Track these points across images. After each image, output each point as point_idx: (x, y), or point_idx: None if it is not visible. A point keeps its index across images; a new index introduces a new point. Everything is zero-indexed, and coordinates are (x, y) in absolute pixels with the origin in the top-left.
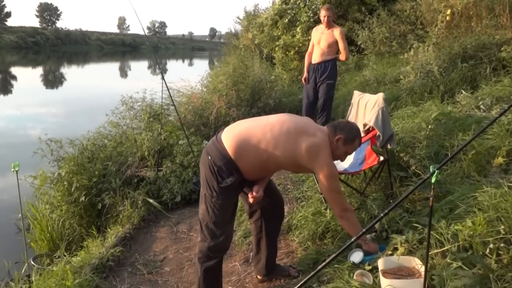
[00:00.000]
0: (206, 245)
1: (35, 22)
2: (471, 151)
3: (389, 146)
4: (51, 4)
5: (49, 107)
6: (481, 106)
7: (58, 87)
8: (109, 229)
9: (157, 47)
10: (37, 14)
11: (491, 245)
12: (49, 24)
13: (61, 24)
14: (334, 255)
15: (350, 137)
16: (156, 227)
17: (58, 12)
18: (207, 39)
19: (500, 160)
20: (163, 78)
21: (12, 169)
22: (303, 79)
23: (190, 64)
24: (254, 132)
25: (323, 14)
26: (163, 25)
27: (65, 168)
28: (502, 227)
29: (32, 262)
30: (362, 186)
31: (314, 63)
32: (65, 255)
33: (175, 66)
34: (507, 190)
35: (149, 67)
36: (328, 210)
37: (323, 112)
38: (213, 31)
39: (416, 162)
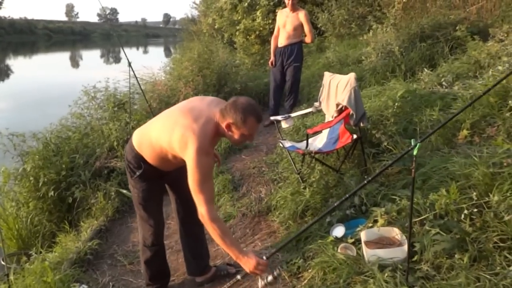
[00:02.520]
0: (141, 237)
1: None
2: (437, 125)
3: (361, 124)
4: None
5: None
6: (443, 83)
7: (3, 79)
8: (82, 223)
9: (109, 34)
10: None
11: (465, 211)
12: None
13: (3, 12)
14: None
15: (239, 119)
16: (132, 217)
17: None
18: (161, 25)
19: (465, 132)
20: (130, 65)
21: None
22: (270, 63)
23: (145, 52)
24: (154, 125)
25: None
26: (114, 11)
27: (30, 163)
28: (474, 193)
29: (2, 262)
30: (337, 164)
31: (281, 46)
32: (41, 252)
33: (129, 54)
34: (477, 160)
35: (101, 56)
36: (306, 189)
37: (290, 95)
38: (167, 17)
39: (387, 138)
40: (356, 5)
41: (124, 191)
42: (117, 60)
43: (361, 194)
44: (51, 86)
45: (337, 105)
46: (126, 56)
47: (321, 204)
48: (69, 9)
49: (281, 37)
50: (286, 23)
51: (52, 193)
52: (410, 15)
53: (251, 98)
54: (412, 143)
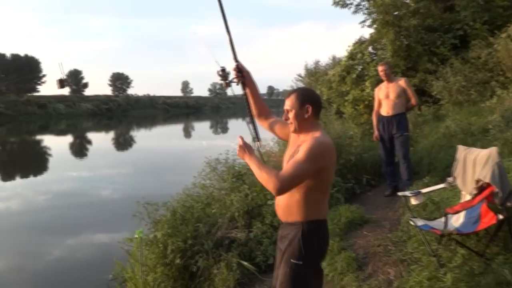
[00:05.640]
0: None
1: (108, 91)
2: None
3: (508, 204)
4: (122, 73)
5: (121, 168)
6: None
7: (127, 149)
8: None
9: (218, 107)
10: (110, 83)
11: None
12: (121, 91)
13: (131, 91)
14: None
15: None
16: None
17: (129, 81)
18: (265, 97)
19: None
20: (257, 138)
21: (136, 235)
22: (374, 137)
23: (250, 122)
24: None
25: (380, 69)
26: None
27: (161, 231)
28: None
29: None
30: (479, 247)
31: (387, 116)
32: None
33: (235, 125)
34: None
35: (211, 127)
36: (448, 275)
37: (405, 165)
38: (271, 89)
39: None
40: (474, 71)
41: (245, 263)
42: (224, 130)
43: None
44: (166, 155)
45: (477, 181)
46: (256, 131)
47: None
48: (185, 86)
49: (387, 107)
50: (389, 93)
51: (178, 260)
52: None
53: (367, 169)
54: None
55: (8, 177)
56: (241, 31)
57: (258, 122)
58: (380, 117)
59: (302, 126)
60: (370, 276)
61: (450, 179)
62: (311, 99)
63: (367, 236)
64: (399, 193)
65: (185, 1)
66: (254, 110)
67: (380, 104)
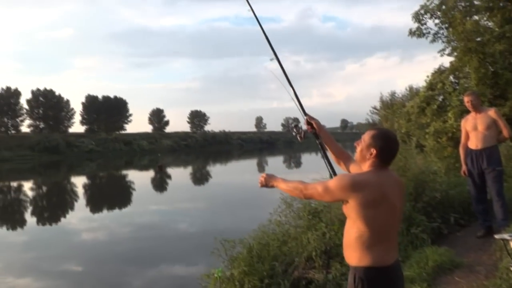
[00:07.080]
0: None
1: (187, 127)
2: None
3: None
4: (200, 111)
5: (197, 202)
6: None
7: (204, 184)
8: None
9: (291, 142)
10: (189, 120)
11: None
12: (198, 128)
13: (208, 127)
14: None
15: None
16: None
17: (206, 118)
18: (338, 130)
19: None
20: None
21: (216, 275)
22: (462, 172)
23: (323, 156)
24: None
25: (466, 100)
26: (296, 121)
27: (238, 268)
28: None
29: None
30: None
31: (476, 149)
32: None
33: (309, 159)
34: None
35: (284, 161)
36: None
37: (499, 203)
38: (344, 122)
39: None
40: None
41: None
42: (298, 164)
43: None
44: (241, 189)
45: None
46: (332, 168)
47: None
48: (258, 121)
49: (475, 140)
50: (477, 124)
51: None
52: None
53: (454, 207)
54: None
55: (97, 209)
56: (314, 66)
57: (338, 166)
58: (468, 151)
59: (362, 161)
60: None
61: None
62: (379, 145)
63: (459, 283)
64: (496, 236)
65: (254, 41)
66: (332, 156)
67: (467, 137)
